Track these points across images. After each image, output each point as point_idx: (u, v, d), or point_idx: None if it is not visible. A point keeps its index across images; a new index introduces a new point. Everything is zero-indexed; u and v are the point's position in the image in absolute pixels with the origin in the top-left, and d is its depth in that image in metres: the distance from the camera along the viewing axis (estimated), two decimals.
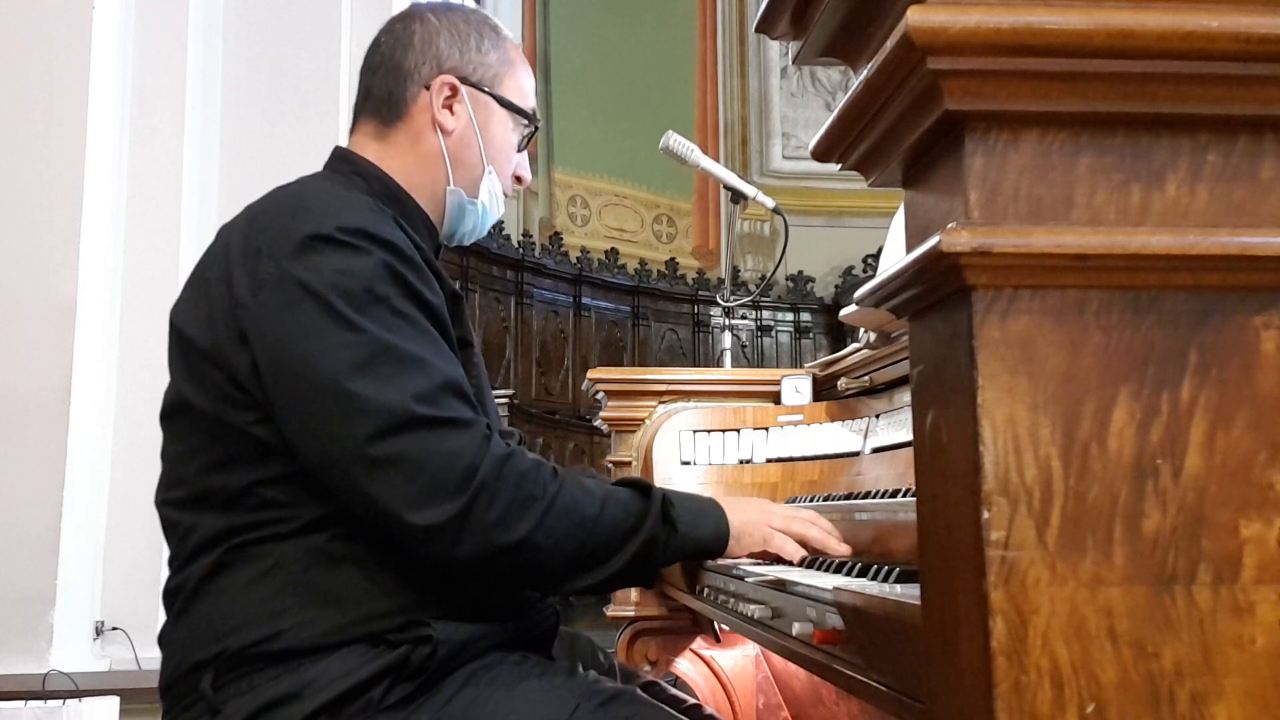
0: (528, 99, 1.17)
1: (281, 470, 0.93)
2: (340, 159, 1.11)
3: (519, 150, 1.18)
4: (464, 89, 1.10)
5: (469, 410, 0.92)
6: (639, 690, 1.01)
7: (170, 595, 0.99)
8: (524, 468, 0.92)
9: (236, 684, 0.91)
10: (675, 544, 1.01)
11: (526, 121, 1.16)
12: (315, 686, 0.89)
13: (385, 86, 1.10)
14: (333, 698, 0.88)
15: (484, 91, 1.12)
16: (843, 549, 1.08)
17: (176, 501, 0.99)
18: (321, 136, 3.23)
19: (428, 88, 1.09)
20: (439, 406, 0.90)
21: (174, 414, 1.00)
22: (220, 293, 0.96)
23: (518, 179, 1.19)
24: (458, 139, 1.10)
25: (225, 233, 1.01)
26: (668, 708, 1.02)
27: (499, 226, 7.77)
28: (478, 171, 1.13)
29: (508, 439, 1.10)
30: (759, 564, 1.09)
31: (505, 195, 1.17)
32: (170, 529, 1.00)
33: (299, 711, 0.88)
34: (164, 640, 0.99)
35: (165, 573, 1.03)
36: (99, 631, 2.68)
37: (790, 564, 1.07)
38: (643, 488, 1.01)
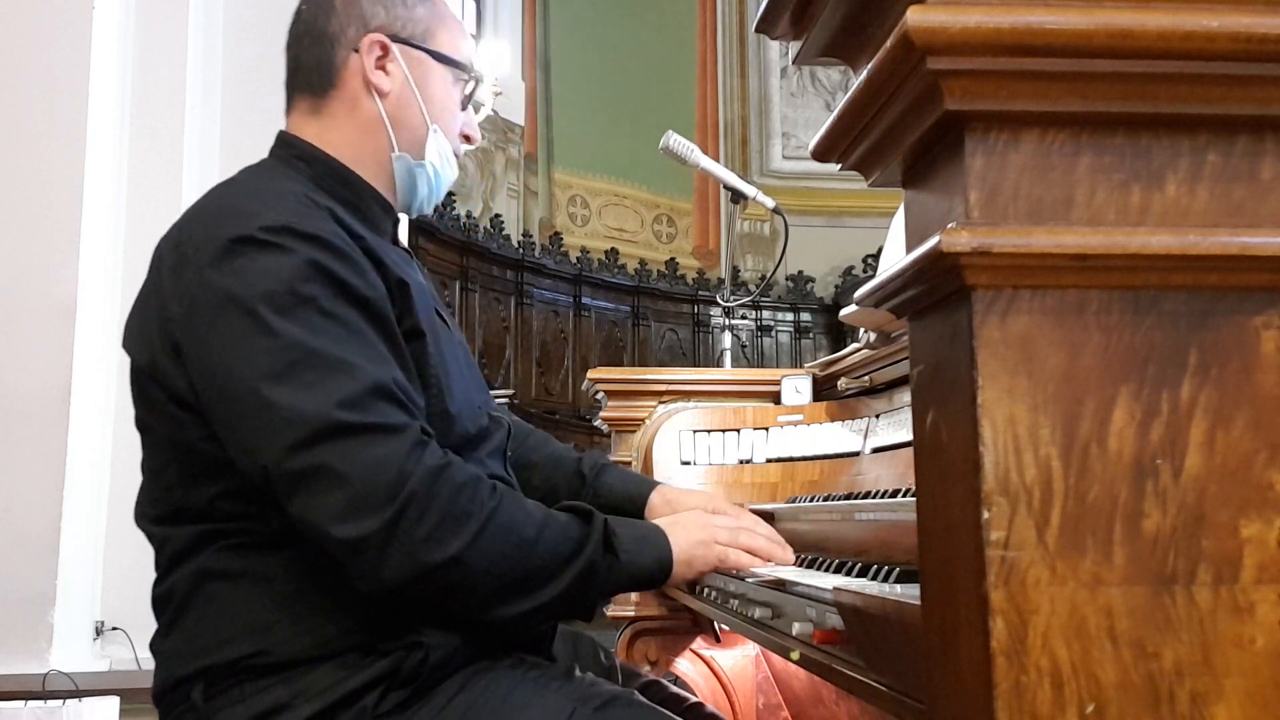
0: (462, 52, 1.10)
1: (237, 483, 0.91)
2: (282, 144, 1.07)
3: (463, 108, 1.12)
4: (395, 46, 1.04)
5: (401, 415, 0.87)
6: (637, 693, 1.00)
7: (158, 604, 0.98)
8: (459, 480, 0.87)
9: (227, 694, 0.90)
10: (616, 573, 0.96)
11: (466, 75, 1.10)
12: (307, 695, 0.88)
13: (312, 55, 1.05)
14: (325, 706, 0.87)
15: (416, 47, 1.06)
16: (788, 556, 1.07)
17: (152, 518, 0.98)
18: None
19: (356, 50, 1.03)
20: (365, 412, 0.85)
21: (142, 433, 0.99)
22: (153, 308, 0.94)
23: (466, 138, 1.12)
24: (395, 100, 1.05)
25: (160, 244, 0.98)
26: (667, 709, 1.01)
27: (499, 226, 7.77)
28: (421, 132, 1.06)
29: (495, 427, 1.09)
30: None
31: (456, 156, 1.11)
32: (151, 540, 1.00)
33: (292, 719, 0.87)
34: (154, 649, 0.99)
35: None
36: (99, 631, 2.68)
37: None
38: (583, 513, 0.97)
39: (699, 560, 1.04)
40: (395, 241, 1.10)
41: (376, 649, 0.91)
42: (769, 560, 1.07)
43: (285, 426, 0.84)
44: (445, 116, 1.09)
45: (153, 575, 0.99)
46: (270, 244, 0.89)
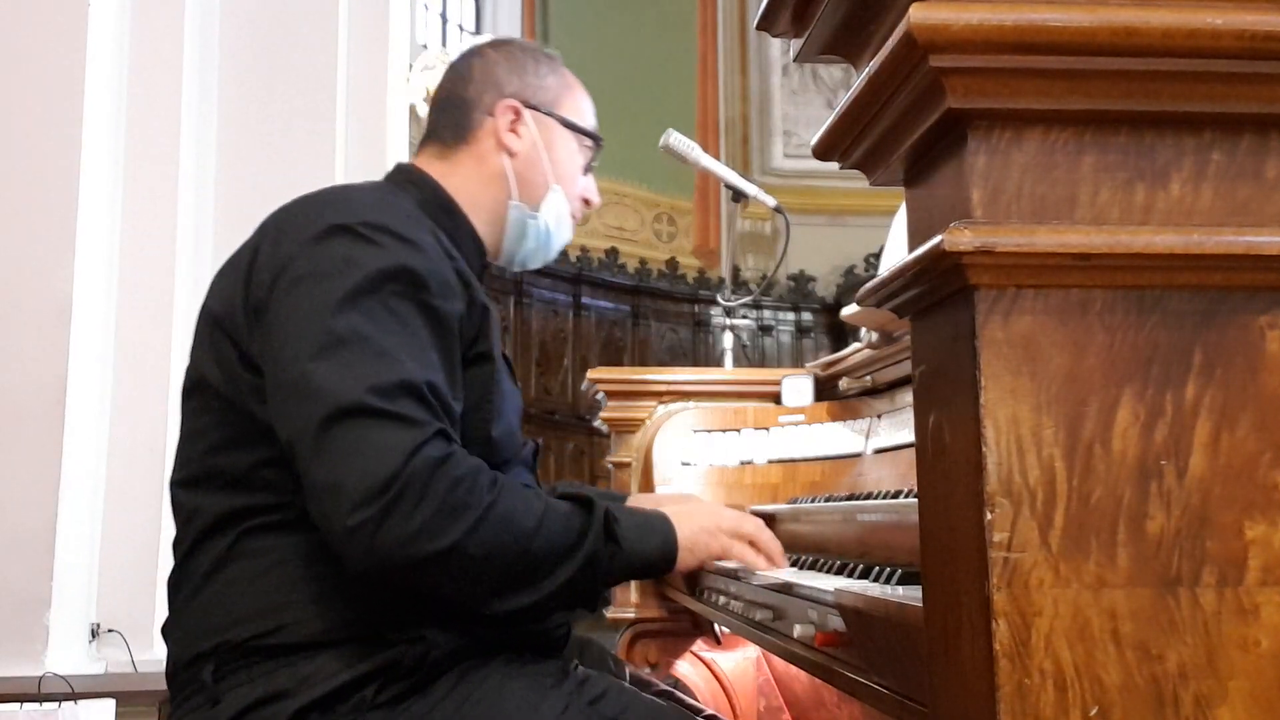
0: (588, 120, 1.20)
1: (281, 453, 0.93)
2: (398, 171, 1.15)
3: (584, 172, 1.21)
4: (527, 112, 1.14)
5: (423, 413, 0.89)
6: (628, 685, 0.99)
7: (175, 585, 1.00)
8: (458, 473, 0.88)
9: (236, 675, 0.92)
10: (620, 561, 0.97)
11: (591, 142, 1.20)
12: (310, 682, 0.89)
13: (451, 117, 1.15)
14: (325, 693, 0.89)
15: (546, 113, 1.16)
16: (783, 563, 1.07)
17: (182, 482, 1.01)
18: (318, 136, 3.22)
19: (491, 114, 1.14)
20: (390, 401, 0.87)
21: (191, 393, 1.02)
22: (245, 267, 0.99)
23: (586, 201, 1.21)
24: (524, 159, 1.14)
25: (268, 217, 1.04)
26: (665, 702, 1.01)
27: None
28: (542, 190, 1.15)
29: (524, 443, 1.09)
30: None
31: (574, 218, 1.19)
32: (176, 511, 1.01)
33: (293, 705, 0.89)
34: (168, 629, 1.00)
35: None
36: (95, 634, 2.68)
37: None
38: (585, 502, 0.98)
39: (702, 548, 1.04)
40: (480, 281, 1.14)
41: (382, 640, 0.92)
42: (770, 562, 1.06)
43: (314, 400, 0.87)
44: (567, 179, 1.18)
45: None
46: (367, 238, 0.94)
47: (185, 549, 0.98)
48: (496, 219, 1.14)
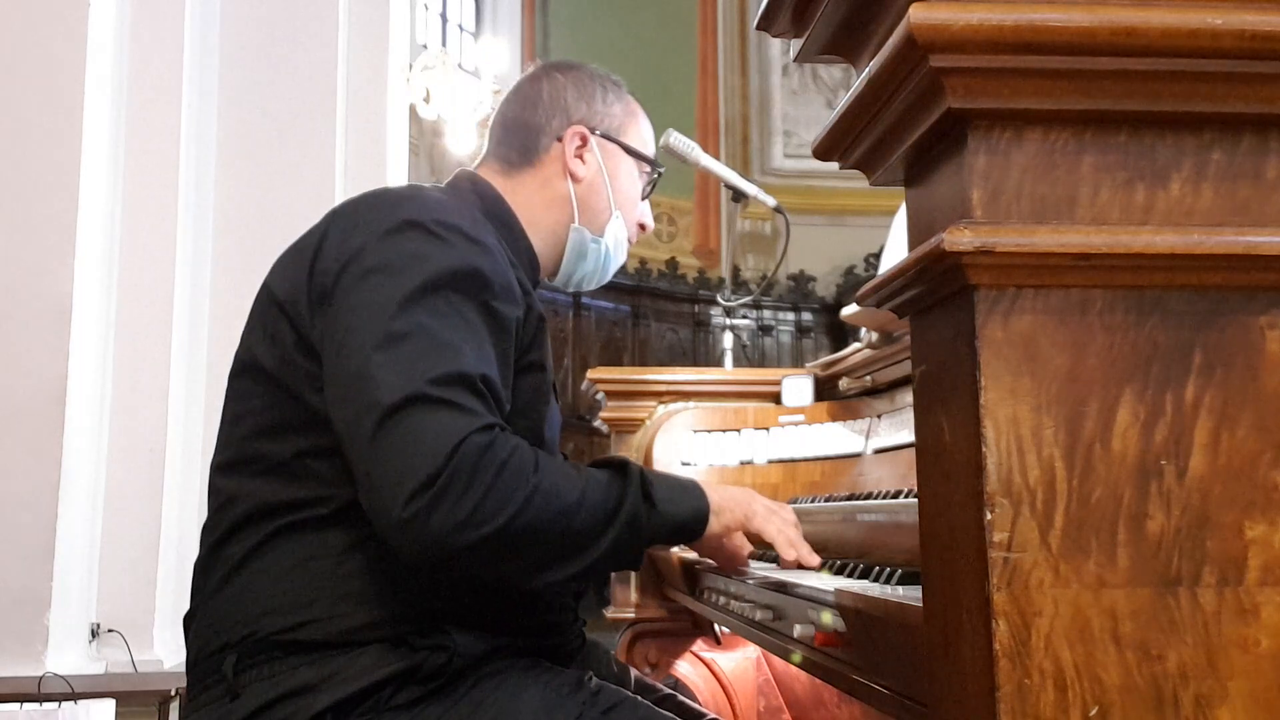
0: (650, 147, 1.23)
1: (326, 442, 0.94)
2: (463, 178, 1.16)
3: (643, 198, 1.23)
4: (593, 139, 1.17)
5: (478, 404, 0.90)
6: (641, 699, 1.00)
7: (203, 570, 0.99)
8: (503, 456, 0.89)
9: (258, 669, 0.92)
10: (655, 521, 0.99)
11: (651, 169, 1.22)
12: (331, 682, 0.90)
13: (518, 139, 1.17)
14: (345, 696, 0.89)
15: (612, 140, 1.18)
16: (813, 559, 1.07)
17: (222, 465, 1.01)
18: (318, 135, 3.23)
19: (559, 139, 1.16)
20: (446, 390, 0.89)
21: (240, 374, 1.02)
22: (311, 253, 0.99)
23: (642, 227, 1.24)
24: (588, 185, 1.17)
25: (337, 206, 1.05)
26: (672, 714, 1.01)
27: None
28: (605, 216, 1.18)
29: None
30: (760, 563, 1.09)
31: (630, 242, 1.22)
32: (213, 494, 1.01)
33: (312, 705, 0.89)
34: (192, 616, 1.00)
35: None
36: (95, 634, 2.68)
37: (781, 559, 1.07)
38: (620, 466, 1.00)
39: (728, 513, 1.06)
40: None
41: (406, 642, 0.92)
42: (795, 554, 1.07)
43: (375, 387, 0.88)
44: (628, 205, 1.21)
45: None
46: (438, 235, 0.96)
47: (218, 535, 0.98)
48: (555, 240, 1.17)
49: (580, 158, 1.16)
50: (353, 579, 0.93)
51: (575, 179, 1.16)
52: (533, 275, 1.15)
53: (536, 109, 1.17)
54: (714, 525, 1.05)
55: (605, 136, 1.18)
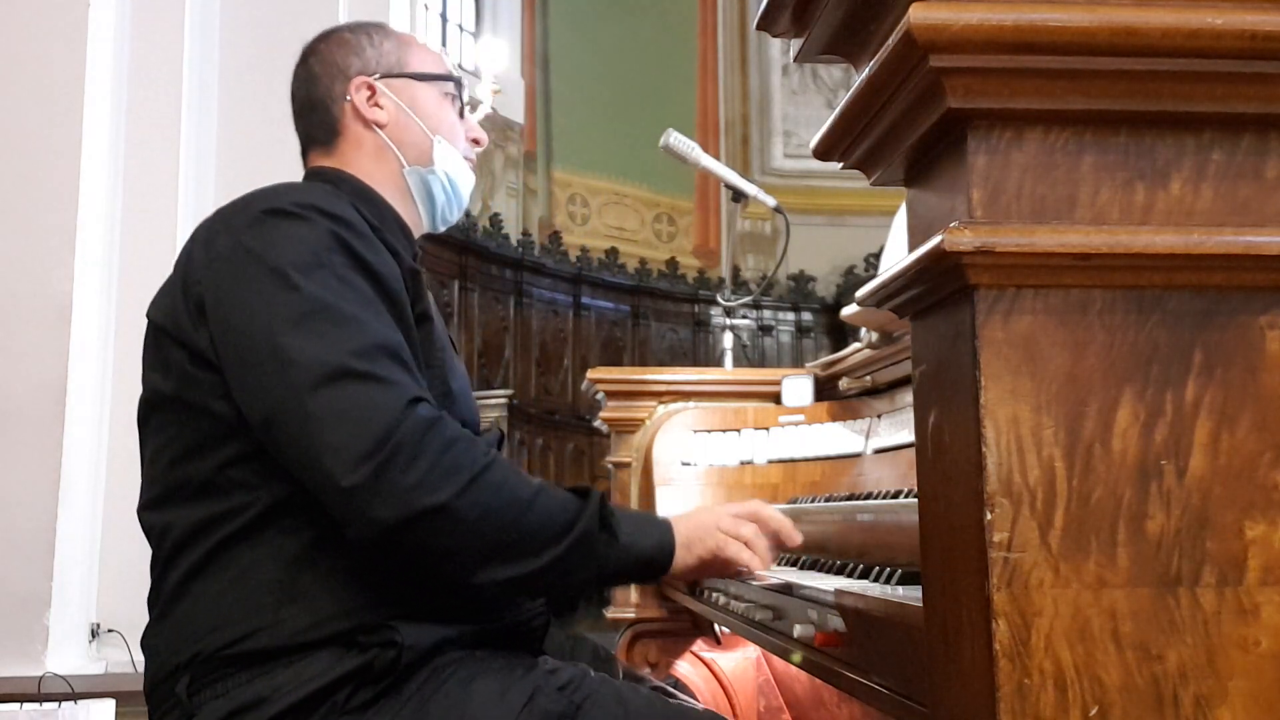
0: (439, 65, 1.20)
1: (244, 448, 0.94)
2: (312, 174, 1.17)
3: (461, 115, 1.21)
4: (378, 83, 1.16)
5: (403, 374, 0.92)
6: (592, 671, 0.99)
7: (151, 603, 1.00)
8: (450, 435, 0.90)
9: (211, 688, 0.92)
10: (615, 553, 0.97)
11: (451, 85, 1.20)
12: (283, 690, 0.89)
13: (317, 119, 1.17)
14: (298, 700, 0.89)
15: (395, 76, 1.17)
16: (795, 539, 1.08)
17: (150, 503, 1.00)
18: None
19: (349, 100, 1.15)
20: (371, 363, 0.90)
21: (146, 414, 1.02)
22: (180, 273, 1.01)
23: (474, 141, 1.21)
24: (395, 125, 1.15)
25: (195, 228, 1.06)
26: (635, 684, 1.01)
27: (498, 225, 7.77)
28: (426, 145, 1.16)
29: (483, 435, 1.09)
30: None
31: (469, 160, 1.20)
32: (149, 534, 1.01)
33: (266, 714, 0.89)
34: (145, 644, 1.00)
35: None
36: (94, 634, 2.68)
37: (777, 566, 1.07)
38: (581, 490, 0.99)
39: (698, 544, 1.05)
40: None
41: (355, 642, 0.92)
42: (770, 563, 1.07)
43: (295, 369, 0.89)
44: (444, 126, 1.18)
45: (148, 577, 0.99)
46: (298, 215, 0.97)
47: (160, 568, 0.98)
48: (402, 193, 1.16)
49: (375, 104, 1.15)
50: (294, 580, 0.92)
51: (380, 125, 1.14)
52: (407, 241, 1.14)
53: (317, 84, 1.17)
54: (685, 558, 1.03)
55: (388, 75, 1.16)
